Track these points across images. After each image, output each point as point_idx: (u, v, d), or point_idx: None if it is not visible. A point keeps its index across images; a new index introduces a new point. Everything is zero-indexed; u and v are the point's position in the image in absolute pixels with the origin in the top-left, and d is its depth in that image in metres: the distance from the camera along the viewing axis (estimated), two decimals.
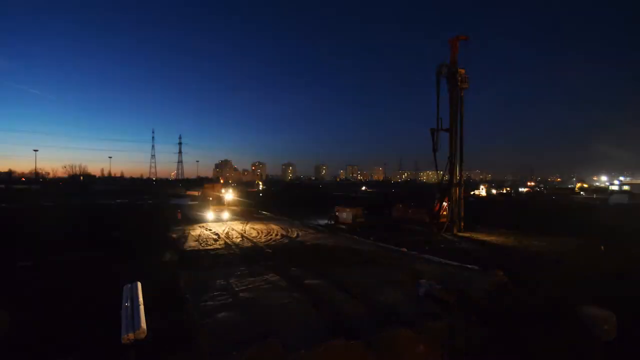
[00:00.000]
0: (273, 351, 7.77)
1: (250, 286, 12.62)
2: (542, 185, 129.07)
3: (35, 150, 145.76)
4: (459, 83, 24.23)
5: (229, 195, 48.17)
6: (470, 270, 14.73)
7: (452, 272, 14.55)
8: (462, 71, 23.89)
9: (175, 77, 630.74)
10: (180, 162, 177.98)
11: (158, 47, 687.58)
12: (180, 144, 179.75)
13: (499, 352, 9.23)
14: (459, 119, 25.23)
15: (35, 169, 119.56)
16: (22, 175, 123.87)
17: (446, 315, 10.17)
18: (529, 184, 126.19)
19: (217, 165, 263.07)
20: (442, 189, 25.71)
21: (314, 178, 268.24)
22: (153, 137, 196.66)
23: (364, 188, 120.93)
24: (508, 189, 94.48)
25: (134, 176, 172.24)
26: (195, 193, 65.37)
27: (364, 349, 8.39)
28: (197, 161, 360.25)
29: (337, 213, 30.40)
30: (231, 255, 18.19)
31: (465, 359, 8.86)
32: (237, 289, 12.31)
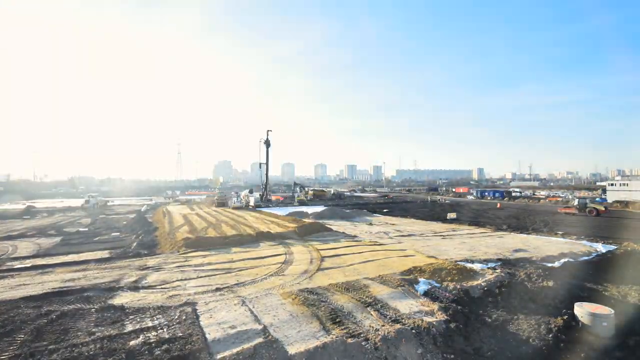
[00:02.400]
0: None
1: None
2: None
3: (34, 152, 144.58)
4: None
5: None
6: None
7: None
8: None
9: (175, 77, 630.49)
10: (179, 162, 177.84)
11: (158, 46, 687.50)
12: (179, 144, 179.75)
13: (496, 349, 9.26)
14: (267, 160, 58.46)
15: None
16: None
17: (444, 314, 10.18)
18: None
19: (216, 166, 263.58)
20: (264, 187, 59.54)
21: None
22: (153, 138, 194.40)
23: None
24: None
25: (134, 178, 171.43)
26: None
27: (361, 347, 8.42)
28: (197, 162, 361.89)
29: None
30: None
31: (463, 358, 8.88)
32: None
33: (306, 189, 74.77)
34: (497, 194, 72.76)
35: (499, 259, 16.92)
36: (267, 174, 60.86)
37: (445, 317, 9.95)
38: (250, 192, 66.59)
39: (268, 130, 58.91)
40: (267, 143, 58.65)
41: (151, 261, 17.29)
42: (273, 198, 60.74)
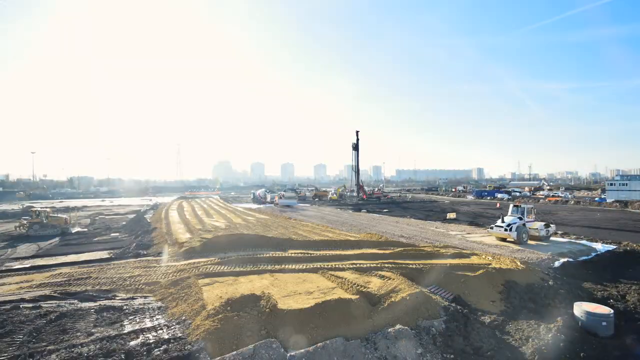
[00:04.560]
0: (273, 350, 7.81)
1: None
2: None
3: (33, 153, 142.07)
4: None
5: None
6: None
7: None
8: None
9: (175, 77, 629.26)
10: (178, 162, 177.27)
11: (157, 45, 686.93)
12: (178, 144, 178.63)
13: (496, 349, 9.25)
14: (357, 160, 64.07)
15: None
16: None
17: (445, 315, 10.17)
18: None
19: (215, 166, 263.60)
20: (358, 185, 66.29)
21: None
22: (153, 137, 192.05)
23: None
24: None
25: (133, 178, 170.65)
26: None
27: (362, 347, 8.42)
28: (196, 162, 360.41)
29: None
30: None
31: (463, 357, 8.87)
32: None
33: (304, 188, 75.67)
34: (496, 194, 72.56)
35: None
36: (358, 174, 67.08)
37: (445, 316, 9.95)
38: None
39: (357, 131, 64.08)
40: (356, 146, 63.82)
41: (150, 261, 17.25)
42: (276, 198, 59.91)
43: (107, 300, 11.32)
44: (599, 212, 41.19)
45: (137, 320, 9.78)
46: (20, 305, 10.63)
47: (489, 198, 71.82)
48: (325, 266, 14.73)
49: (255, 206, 55.67)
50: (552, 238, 22.13)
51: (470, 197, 76.50)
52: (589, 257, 17.97)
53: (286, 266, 14.95)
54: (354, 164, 64.53)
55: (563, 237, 23.73)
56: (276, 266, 14.98)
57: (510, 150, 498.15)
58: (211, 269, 14.67)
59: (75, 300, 11.17)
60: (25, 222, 28.16)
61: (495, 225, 21.42)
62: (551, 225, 22.21)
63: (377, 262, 15.17)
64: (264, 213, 42.48)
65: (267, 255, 16.84)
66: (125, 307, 10.69)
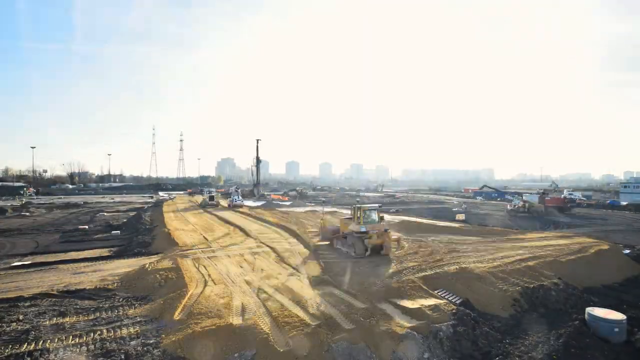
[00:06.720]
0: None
1: None
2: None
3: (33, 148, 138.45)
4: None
5: None
6: None
7: None
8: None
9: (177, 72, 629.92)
10: (181, 159, 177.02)
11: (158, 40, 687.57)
12: (181, 141, 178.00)
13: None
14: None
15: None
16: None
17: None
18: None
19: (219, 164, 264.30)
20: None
21: None
22: (154, 134, 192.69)
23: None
24: None
25: (134, 174, 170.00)
26: None
27: None
28: (199, 159, 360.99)
29: None
30: None
31: None
32: None
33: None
34: (506, 196, 71.45)
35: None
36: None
37: (453, 320, 9.69)
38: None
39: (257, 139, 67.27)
40: (257, 159, 68.88)
41: (150, 260, 17.02)
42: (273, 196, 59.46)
43: (106, 299, 11.12)
44: (611, 215, 40.66)
45: (138, 319, 9.55)
46: (19, 304, 10.45)
47: (498, 199, 71.22)
48: None
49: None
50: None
51: (479, 199, 76.01)
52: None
53: None
54: None
55: (574, 239, 23.27)
56: None
57: (521, 151, 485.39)
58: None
59: (75, 299, 10.96)
60: None
61: None
62: None
63: None
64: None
65: None
66: (125, 307, 10.49)
